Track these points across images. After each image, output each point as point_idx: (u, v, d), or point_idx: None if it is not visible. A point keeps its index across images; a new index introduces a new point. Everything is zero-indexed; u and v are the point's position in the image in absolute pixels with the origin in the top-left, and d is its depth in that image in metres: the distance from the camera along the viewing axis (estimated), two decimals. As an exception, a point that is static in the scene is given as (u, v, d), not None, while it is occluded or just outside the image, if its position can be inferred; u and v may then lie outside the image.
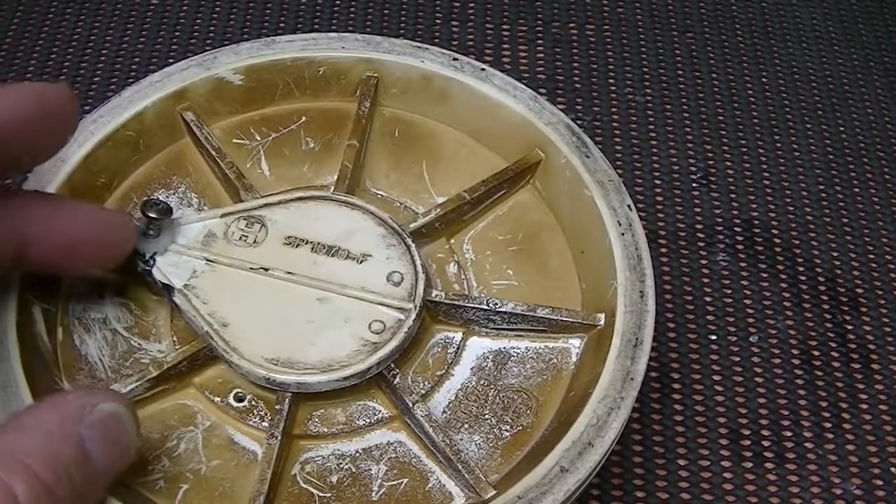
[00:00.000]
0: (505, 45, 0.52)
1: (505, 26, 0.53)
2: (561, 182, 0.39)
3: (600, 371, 0.34)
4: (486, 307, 0.36)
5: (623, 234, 0.37)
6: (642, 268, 0.36)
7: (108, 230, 0.34)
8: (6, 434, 0.28)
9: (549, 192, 0.40)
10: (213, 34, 0.52)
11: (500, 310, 0.36)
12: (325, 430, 0.35)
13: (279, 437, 0.33)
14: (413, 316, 0.35)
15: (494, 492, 0.33)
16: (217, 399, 0.36)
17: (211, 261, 0.36)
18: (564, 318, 0.36)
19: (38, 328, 0.36)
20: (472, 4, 0.54)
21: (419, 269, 0.36)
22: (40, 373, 0.35)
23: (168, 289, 0.36)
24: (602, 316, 0.36)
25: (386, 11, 0.53)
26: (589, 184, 0.38)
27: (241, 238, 0.36)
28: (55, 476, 0.27)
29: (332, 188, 0.39)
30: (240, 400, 0.36)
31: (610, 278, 0.36)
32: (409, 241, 0.36)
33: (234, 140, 0.41)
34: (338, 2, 0.54)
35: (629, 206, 0.38)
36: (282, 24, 0.52)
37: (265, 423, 0.35)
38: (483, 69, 0.41)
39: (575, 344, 0.37)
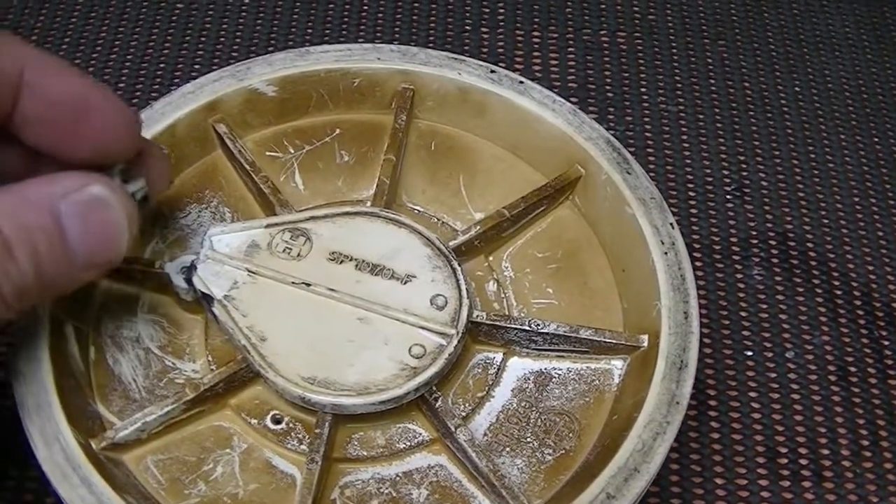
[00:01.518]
0: (535, 53, 0.52)
1: (535, 33, 0.52)
2: (601, 199, 0.39)
3: (645, 394, 0.34)
4: (528, 328, 0.36)
5: (666, 253, 0.36)
6: (686, 288, 0.36)
7: (114, 113, 0.32)
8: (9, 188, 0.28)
9: (589, 209, 0.39)
10: (239, 41, 0.51)
11: (543, 331, 0.36)
12: (365, 453, 0.35)
13: (319, 462, 0.33)
14: (455, 342, 0.34)
15: (539, 518, 0.32)
16: (254, 421, 0.35)
17: (253, 272, 0.35)
18: (608, 340, 0.36)
19: (71, 347, 0.35)
20: (501, 11, 0.53)
21: (464, 293, 0.35)
22: (74, 394, 0.34)
23: (207, 299, 0.35)
24: (645, 337, 0.36)
25: (415, 17, 0.53)
26: (631, 201, 0.37)
27: (284, 250, 0.36)
28: (17, 236, 0.28)
29: (369, 203, 0.39)
30: (277, 422, 0.35)
31: (653, 298, 0.36)
32: (455, 263, 0.36)
33: (268, 153, 0.41)
34: (365, 8, 0.53)
35: (672, 224, 0.37)
36: (309, 31, 0.52)
37: (303, 446, 0.34)
38: (521, 82, 0.40)
39: (617, 365, 0.36)
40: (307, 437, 0.35)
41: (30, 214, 0.28)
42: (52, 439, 0.32)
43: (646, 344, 0.36)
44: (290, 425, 0.35)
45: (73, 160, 0.31)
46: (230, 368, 0.35)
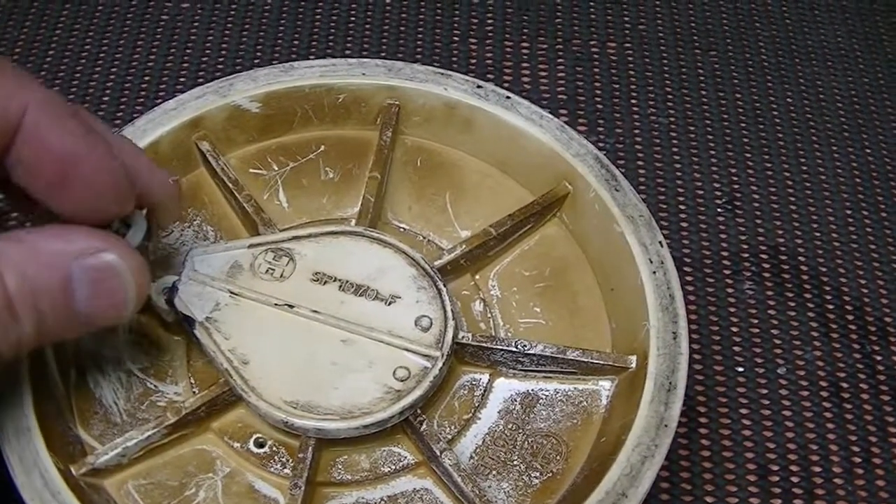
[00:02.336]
0: (524, 65, 0.51)
1: (524, 45, 0.52)
2: (590, 216, 0.38)
3: (633, 417, 0.33)
4: (514, 349, 0.35)
5: (655, 272, 0.36)
6: (675, 308, 0.35)
7: (105, 175, 0.30)
8: (5, 239, 0.28)
9: (577, 227, 0.39)
10: (225, 53, 0.51)
11: (529, 352, 0.35)
12: (349, 477, 0.34)
13: (303, 487, 0.32)
14: (440, 365, 0.34)
15: (526, 543, 0.32)
16: (237, 444, 0.35)
17: (235, 293, 0.35)
18: (595, 361, 0.35)
19: (51, 370, 0.35)
20: (490, 22, 0.53)
21: (449, 314, 0.34)
22: (54, 418, 0.34)
23: (189, 321, 0.35)
24: (634, 358, 0.35)
25: (402, 29, 0.52)
26: (619, 219, 0.37)
27: (267, 271, 0.35)
28: (23, 295, 0.27)
29: (353, 221, 0.38)
30: (260, 445, 0.35)
31: (641, 318, 0.35)
32: (441, 283, 0.35)
33: (251, 170, 0.40)
34: (352, 21, 0.52)
35: (660, 242, 0.37)
36: (295, 45, 0.51)
37: (287, 470, 0.34)
38: (508, 97, 0.40)
39: (605, 386, 0.36)
40: (290, 460, 0.34)
41: (40, 273, 0.28)
42: (32, 465, 0.32)
43: (634, 365, 0.35)
44: (274, 449, 0.34)
45: (62, 213, 0.30)
46: (212, 392, 0.34)
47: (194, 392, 0.35)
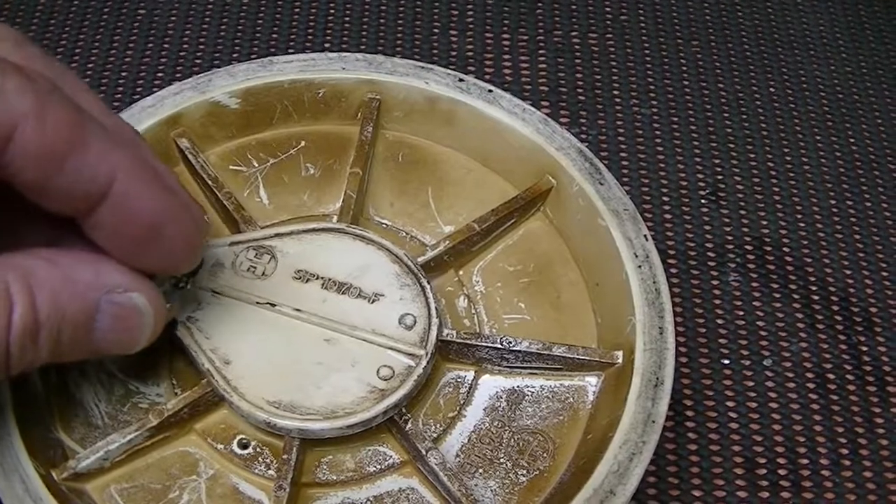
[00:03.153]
0: (506, 56, 0.51)
1: (505, 36, 0.52)
2: (573, 210, 0.38)
3: (620, 413, 0.33)
4: (499, 346, 0.35)
5: (640, 266, 0.36)
6: (661, 302, 0.35)
7: (187, 235, 0.30)
8: (39, 257, 0.28)
9: (561, 221, 0.38)
10: (203, 48, 0.50)
11: (515, 348, 0.35)
12: (334, 477, 0.34)
13: (288, 489, 0.32)
14: (424, 363, 0.33)
15: (513, 542, 0.31)
16: (220, 446, 0.34)
17: (217, 292, 0.34)
18: (581, 357, 0.35)
19: (32, 373, 0.34)
20: (470, 14, 0.52)
21: (433, 312, 0.34)
22: (34, 422, 0.33)
23: (170, 321, 0.34)
24: (620, 353, 0.35)
25: (382, 21, 0.52)
26: (603, 213, 0.37)
27: (249, 269, 0.35)
28: (49, 323, 0.27)
29: (335, 218, 0.38)
30: (244, 447, 0.34)
31: (627, 313, 0.35)
32: (425, 281, 0.35)
33: (231, 167, 0.40)
34: (332, 14, 0.52)
35: (645, 236, 0.36)
36: (274, 39, 0.51)
37: (271, 471, 0.34)
38: (490, 90, 0.40)
39: (592, 382, 0.36)
40: (275, 461, 0.34)
41: (70, 303, 0.28)
42: (12, 470, 0.31)
43: (620, 360, 0.35)
44: (258, 450, 0.34)
45: (129, 264, 0.30)
46: (195, 393, 0.34)
47: (176, 393, 0.35)
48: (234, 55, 0.50)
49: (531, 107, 0.39)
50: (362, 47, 0.50)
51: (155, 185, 0.28)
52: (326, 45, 0.50)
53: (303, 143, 0.40)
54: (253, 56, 0.49)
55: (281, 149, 0.40)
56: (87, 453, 0.33)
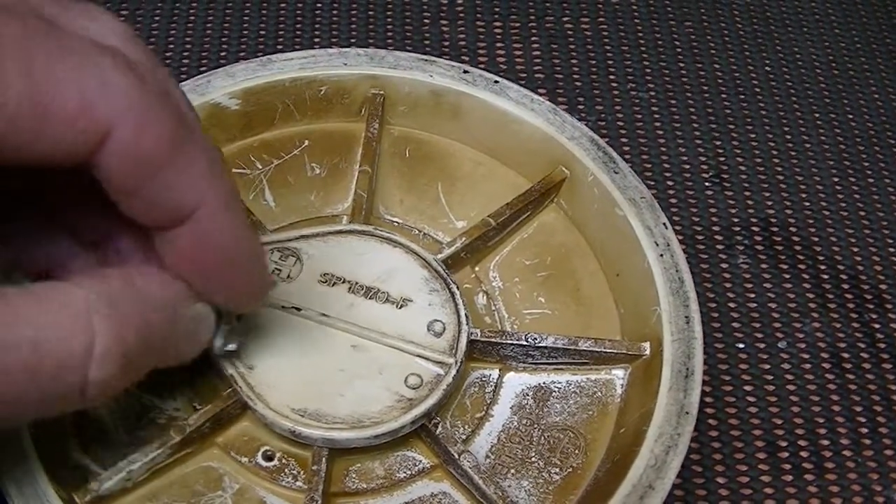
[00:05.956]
0: (499, 44, 0.50)
1: (497, 23, 0.51)
2: (589, 201, 0.37)
3: (652, 406, 0.33)
4: (524, 343, 0.34)
5: (662, 255, 0.35)
6: (685, 291, 0.35)
7: (252, 279, 0.29)
8: (116, 280, 0.26)
9: (576, 212, 0.38)
10: (189, 47, 0.49)
11: (540, 345, 0.34)
12: (365, 485, 0.33)
13: (319, 501, 0.31)
14: (453, 372, 0.32)
15: (554, 543, 0.31)
16: (244, 459, 0.33)
17: None
18: (608, 350, 0.34)
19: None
20: (460, 2, 0.51)
21: (463, 318, 0.33)
22: (52, 443, 0.32)
23: None
24: (647, 345, 0.34)
25: (371, 14, 0.51)
26: (621, 202, 0.36)
27: (274, 272, 0.34)
28: (132, 351, 0.25)
29: (345, 218, 0.37)
30: (269, 459, 0.33)
31: (651, 303, 0.35)
32: (454, 286, 0.34)
33: (235, 169, 0.39)
34: (319, 7, 0.51)
35: (665, 224, 0.36)
36: (262, 36, 0.49)
37: (299, 483, 0.33)
38: (496, 81, 0.39)
39: (619, 375, 0.35)
40: (301, 472, 0.33)
41: (152, 326, 0.26)
42: (33, 496, 0.30)
43: (648, 352, 0.34)
44: (283, 461, 0.33)
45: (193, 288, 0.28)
46: (216, 406, 0.33)
47: (195, 407, 0.34)
48: (223, 53, 0.48)
49: (540, 97, 0.38)
50: (352, 41, 0.49)
51: (238, 223, 0.27)
52: (316, 42, 0.49)
53: (306, 143, 0.39)
54: (241, 55, 0.48)
55: (284, 149, 0.39)
56: (110, 474, 0.31)
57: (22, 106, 0.23)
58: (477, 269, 0.37)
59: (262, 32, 0.50)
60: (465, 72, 0.39)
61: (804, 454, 0.40)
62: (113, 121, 0.23)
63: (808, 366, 0.42)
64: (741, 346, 0.42)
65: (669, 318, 0.34)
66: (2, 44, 0.23)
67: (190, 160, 0.25)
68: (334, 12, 0.51)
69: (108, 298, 0.25)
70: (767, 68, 0.50)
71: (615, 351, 0.34)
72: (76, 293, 0.25)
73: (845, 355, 0.42)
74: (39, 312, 0.24)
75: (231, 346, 0.32)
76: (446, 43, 0.50)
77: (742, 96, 0.49)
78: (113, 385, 0.25)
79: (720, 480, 0.39)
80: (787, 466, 0.40)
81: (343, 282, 0.34)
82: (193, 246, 0.27)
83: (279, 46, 0.49)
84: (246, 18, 0.50)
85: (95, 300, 0.25)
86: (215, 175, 0.26)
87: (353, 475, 0.33)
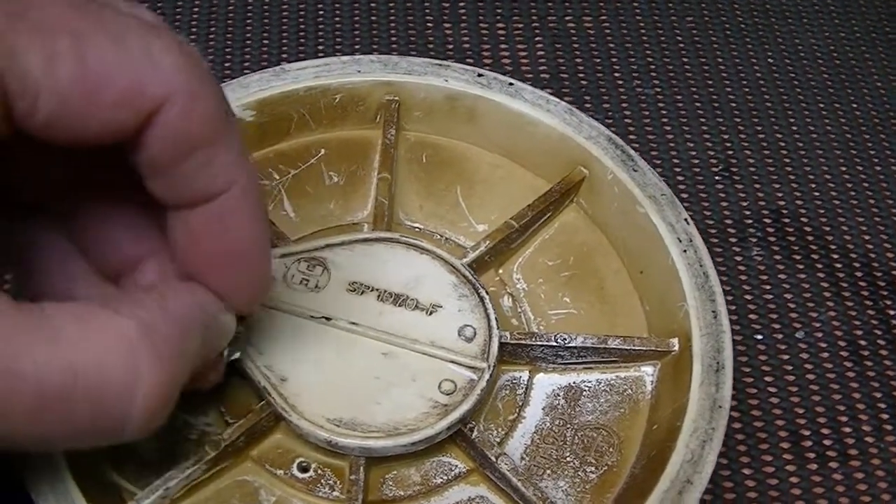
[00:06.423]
0: (503, 46, 0.50)
1: (500, 25, 0.51)
2: (609, 199, 0.37)
3: (684, 401, 0.33)
4: (554, 343, 0.34)
5: (685, 251, 0.35)
6: (710, 286, 0.35)
7: (255, 279, 0.29)
8: (153, 310, 0.25)
9: (597, 211, 0.38)
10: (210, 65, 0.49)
11: (570, 345, 0.34)
12: (402, 492, 0.33)
13: (360, 510, 0.31)
14: (487, 376, 0.33)
15: (596, 542, 0.31)
16: (279, 471, 0.33)
17: (269, 307, 0.33)
18: (637, 348, 0.35)
19: (74, 413, 0.33)
20: (462, 5, 0.51)
21: (493, 323, 0.33)
22: (86, 465, 0.32)
23: None
24: (675, 341, 0.35)
25: (373, 19, 0.50)
26: (641, 200, 0.36)
27: (301, 282, 0.34)
28: (174, 381, 0.25)
29: (366, 226, 0.37)
30: (304, 470, 0.33)
31: (677, 299, 0.35)
32: (483, 291, 0.34)
33: (252, 181, 0.38)
34: (321, 14, 0.51)
35: (686, 219, 0.36)
36: (265, 46, 0.49)
37: (336, 493, 0.33)
38: (511, 83, 0.39)
39: (648, 371, 0.35)
40: (338, 482, 0.33)
41: (192, 355, 0.26)
42: (71, 519, 0.30)
43: (677, 348, 0.34)
44: (319, 472, 0.33)
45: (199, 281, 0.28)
46: (250, 420, 0.32)
47: (227, 421, 0.34)
48: (227, 67, 0.48)
49: (555, 98, 0.38)
50: (357, 48, 0.49)
51: (259, 212, 0.27)
52: (319, 51, 0.49)
53: (323, 152, 0.39)
54: (246, 66, 0.48)
55: (301, 159, 0.39)
56: (147, 493, 0.31)
57: (74, 86, 0.23)
58: (501, 271, 0.37)
59: (266, 42, 0.49)
60: (480, 75, 0.39)
61: (827, 442, 0.40)
62: (163, 99, 0.24)
63: (826, 354, 0.42)
64: (760, 337, 0.42)
65: (697, 314, 0.34)
66: (52, 24, 0.23)
67: (229, 139, 0.25)
68: (336, 20, 0.50)
69: (149, 328, 0.24)
70: (770, 60, 0.51)
71: (644, 348, 0.35)
72: (119, 320, 0.24)
73: (862, 342, 0.43)
74: (82, 336, 0.23)
75: (235, 356, 0.32)
76: (450, 46, 0.50)
77: (747, 89, 0.49)
78: (157, 419, 0.25)
79: (746, 472, 0.39)
80: (812, 455, 0.40)
81: (371, 290, 0.34)
82: (212, 230, 0.26)
83: (283, 55, 0.49)
84: (248, 29, 0.50)
85: (136, 328, 0.24)
86: (247, 157, 0.26)
87: (390, 483, 0.33)
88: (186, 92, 0.24)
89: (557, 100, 0.38)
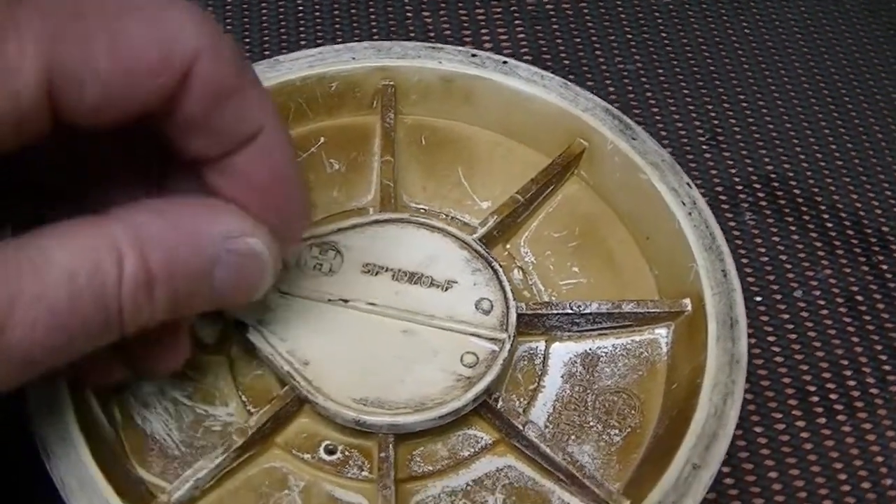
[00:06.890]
0: (483, 30, 0.50)
1: (479, 9, 0.51)
2: (610, 169, 0.38)
3: (702, 359, 0.33)
4: (570, 311, 0.35)
5: (690, 213, 0.36)
6: (718, 246, 0.35)
7: (294, 213, 0.29)
8: (146, 210, 0.26)
9: (598, 181, 0.38)
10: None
11: (585, 312, 0.35)
12: (430, 467, 0.33)
13: (392, 487, 0.31)
14: (508, 346, 0.33)
15: (628, 502, 0.31)
16: (306, 455, 0.33)
17: (285, 293, 0.33)
18: (651, 310, 0.35)
19: (96, 413, 0.33)
20: (441, -9, 0.52)
21: (509, 294, 0.34)
22: (112, 463, 0.31)
23: (241, 326, 0.33)
24: (688, 301, 0.35)
25: (353, 10, 0.51)
26: (644, 167, 0.37)
27: (315, 267, 0.34)
28: (164, 275, 0.26)
29: (372, 210, 0.37)
30: (331, 452, 0.33)
31: (687, 261, 0.35)
32: (496, 264, 0.34)
33: (253, 173, 0.38)
34: (300, 7, 0.51)
35: (688, 183, 0.37)
36: (247, 40, 0.49)
37: (365, 473, 0.33)
38: (505, 62, 0.39)
39: (662, 333, 0.36)
40: (366, 462, 0.33)
41: (186, 254, 0.26)
42: (103, 517, 0.30)
43: (689, 308, 0.35)
44: (346, 453, 0.33)
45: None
46: (275, 405, 0.33)
47: (248, 411, 0.34)
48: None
49: (549, 73, 0.39)
50: (339, 39, 0.49)
51: (290, 142, 0.28)
52: (303, 43, 0.49)
53: (322, 140, 0.39)
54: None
55: (301, 148, 0.39)
56: (178, 484, 0.31)
57: (112, 72, 0.24)
58: (508, 246, 0.38)
59: (247, 39, 0.49)
60: (473, 55, 0.39)
61: (833, 396, 0.41)
62: (193, 56, 0.25)
63: (825, 311, 0.43)
64: (759, 299, 0.43)
65: (707, 273, 0.35)
66: (80, 10, 0.24)
67: (253, 83, 0.27)
68: (316, 10, 0.51)
69: (135, 225, 0.25)
70: (746, 30, 0.52)
71: (658, 310, 0.35)
72: (107, 223, 0.25)
73: (859, 297, 0.43)
74: (75, 240, 0.25)
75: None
76: (431, 33, 0.50)
77: (725, 58, 0.50)
78: (147, 312, 0.26)
79: (757, 430, 0.40)
80: (820, 410, 0.41)
81: (386, 270, 0.34)
82: (255, 168, 0.27)
83: (266, 53, 0.49)
84: (228, 26, 0.50)
85: (123, 227, 0.25)
86: (269, 96, 0.28)
87: (418, 458, 0.33)
88: (210, 46, 0.25)
89: (552, 75, 0.39)
